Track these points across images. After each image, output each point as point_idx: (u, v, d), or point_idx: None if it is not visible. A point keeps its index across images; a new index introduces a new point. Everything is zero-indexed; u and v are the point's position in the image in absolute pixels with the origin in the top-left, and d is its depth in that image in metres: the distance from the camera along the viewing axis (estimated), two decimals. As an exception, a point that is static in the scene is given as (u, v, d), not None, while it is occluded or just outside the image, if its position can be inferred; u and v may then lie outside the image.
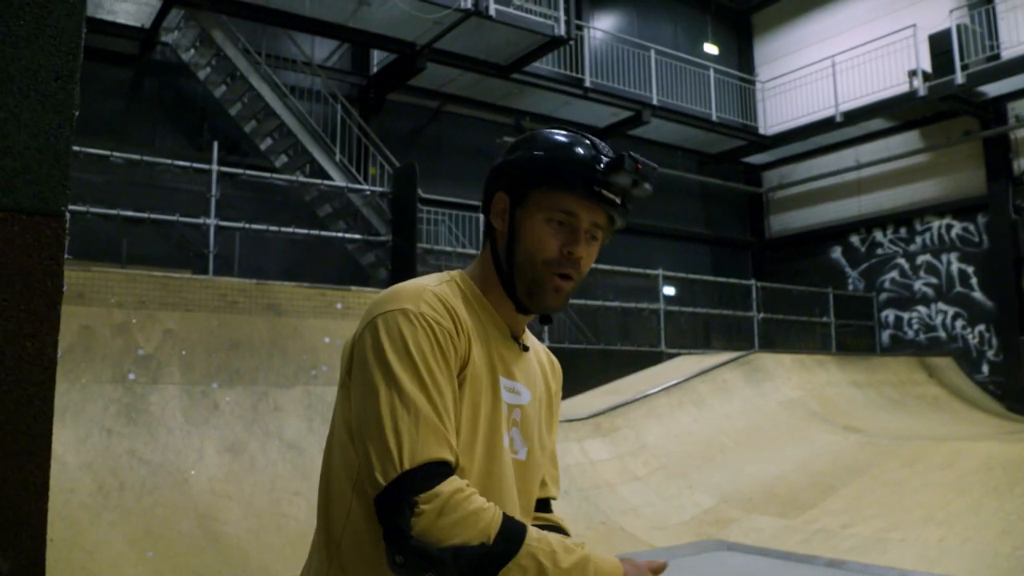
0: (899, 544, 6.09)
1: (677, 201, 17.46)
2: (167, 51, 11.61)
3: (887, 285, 16.31)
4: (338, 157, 11.38)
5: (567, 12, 12.07)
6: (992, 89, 13.79)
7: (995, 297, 14.46)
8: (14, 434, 1.24)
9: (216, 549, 5.10)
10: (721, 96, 16.73)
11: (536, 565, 1.15)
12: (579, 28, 14.21)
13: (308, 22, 11.15)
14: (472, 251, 11.59)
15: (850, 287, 16.90)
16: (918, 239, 15.82)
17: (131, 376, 5.83)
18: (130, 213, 8.53)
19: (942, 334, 15.30)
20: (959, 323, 15.05)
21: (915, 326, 15.77)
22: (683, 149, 17.33)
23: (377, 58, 13.43)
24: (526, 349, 1.49)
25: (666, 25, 17.66)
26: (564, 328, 12.88)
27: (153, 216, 8.67)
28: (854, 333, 16.25)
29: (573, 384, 9.99)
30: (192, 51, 11.34)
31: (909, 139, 15.90)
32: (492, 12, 11.14)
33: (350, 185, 10.78)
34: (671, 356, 12.35)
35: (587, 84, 14.26)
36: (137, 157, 8.70)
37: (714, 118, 16.23)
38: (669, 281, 14.17)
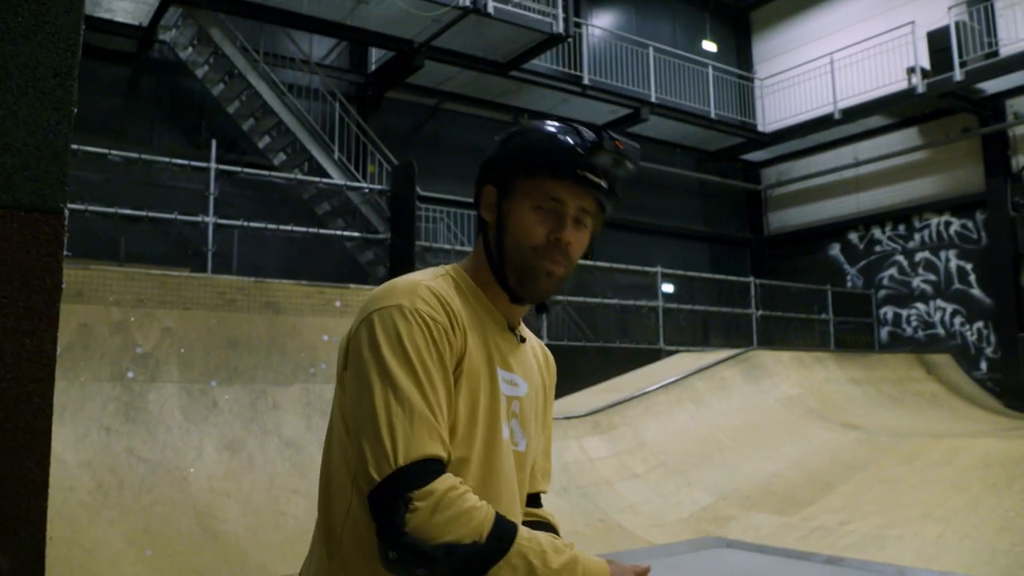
0: (897, 541, 6.10)
1: (676, 198, 17.46)
2: (165, 49, 11.60)
3: (886, 282, 16.32)
4: (336, 155, 11.37)
5: (565, 9, 12.06)
6: (990, 86, 13.80)
7: (993, 294, 14.47)
8: (13, 431, 1.24)
9: (215, 547, 5.10)
10: (720, 93, 16.73)
11: (526, 564, 1.16)
12: (577, 25, 14.20)
13: (306, 20, 11.14)
14: (470, 249, 11.57)
15: (849, 284, 16.91)
16: (917, 236, 15.83)
17: (130, 374, 5.83)
18: (128, 211, 8.53)
19: (940, 331, 15.31)
20: (957, 320, 15.06)
21: (914, 323, 15.78)
22: (682, 146, 17.33)
23: (375, 56, 13.42)
24: (523, 340, 1.49)
25: (665, 22, 17.66)
26: (563, 325, 12.88)
27: (151, 214, 8.66)
28: (853, 330, 16.26)
29: (571, 381, 9.99)
30: (190, 49, 11.33)
31: (908, 136, 15.90)
32: (490, 9, 11.14)
33: (348, 183, 10.77)
34: (669, 353, 12.35)
35: (586, 81, 14.25)
36: (135, 155, 8.70)
37: (713, 115, 16.23)
38: (668, 278, 14.17)
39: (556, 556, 1.19)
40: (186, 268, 9.27)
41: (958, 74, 13.41)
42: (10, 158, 1.25)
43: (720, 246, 18.29)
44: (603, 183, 1.36)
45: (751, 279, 15.22)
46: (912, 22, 14.37)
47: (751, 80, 17.86)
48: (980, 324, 14.71)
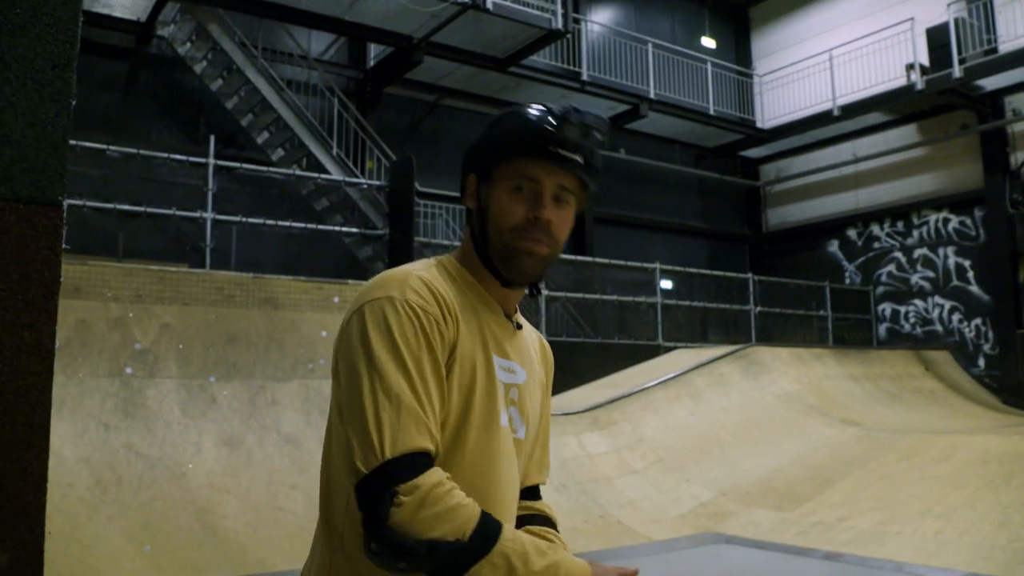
0: (896, 537, 6.11)
1: (674, 195, 17.46)
2: (163, 45, 11.57)
3: (884, 279, 16.33)
4: (335, 151, 11.36)
5: (564, 5, 12.04)
6: (989, 83, 13.80)
7: (992, 291, 14.48)
8: (12, 425, 1.24)
9: (214, 543, 5.10)
10: (718, 90, 16.73)
11: (507, 565, 1.16)
12: (576, 21, 14.18)
13: (305, 15, 11.12)
14: (469, 245, 11.54)
15: (847, 281, 16.91)
16: (915, 233, 15.83)
17: (128, 370, 5.82)
18: (126, 207, 8.51)
19: (939, 328, 15.32)
20: (956, 317, 15.07)
21: (912, 320, 15.79)
22: (680, 143, 17.32)
23: (374, 51, 13.40)
24: (519, 327, 1.49)
25: (663, 18, 17.64)
26: (561, 321, 12.88)
27: (150, 210, 8.64)
28: (851, 326, 16.27)
29: (570, 377, 9.99)
30: (188, 45, 11.31)
31: (906, 133, 15.90)
32: (489, 5, 11.13)
33: (347, 179, 10.75)
34: (668, 349, 12.36)
35: (584, 77, 14.24)
36: (133, 151, 8.68)
37: (711, 112, 16.22)
38: (666, 275, 14.16)
39: (538, 558, 1.18)
40: (184, 264, 9.26)
41: (957, 71, 13.40)
42: (8, 150, 1.24)
43: (719, 242, 18.29)
44: (577, 157, 1.36)
45: (750, 275, 15.22)
46: (911, 19, 14.37)
47: (750, 76, 17.85)
48: (978, 321, 14.72)
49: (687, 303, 14.23)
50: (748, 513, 7.14)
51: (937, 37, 13.83)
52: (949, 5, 13.81)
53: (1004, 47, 13.49)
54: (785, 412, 9.49)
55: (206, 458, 5.67)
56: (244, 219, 9.21)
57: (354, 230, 10.67)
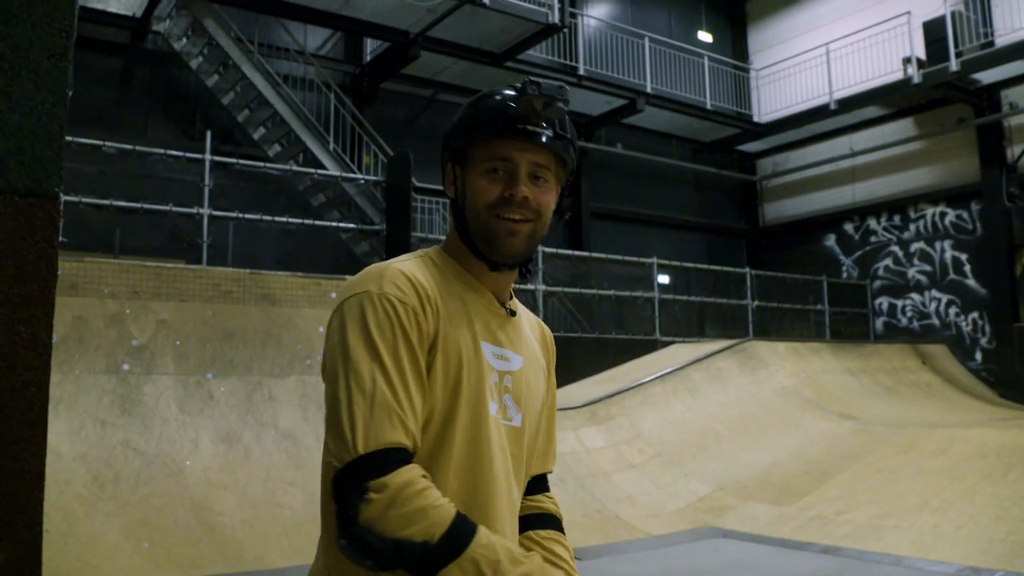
0: (893, 531, 6.12)
1: (671, 189, 17.46)
2: (159, 40, 11.54)
3: (881, 273, 16.34)
4: (332, 146, 11.33)
5: (561, 0, 12.03)
6: (986, 76, 13.79)
7: (988, 284, 14.49)
8: (9, 421, 1.23)
9: (211, 539, 5.10)
10: (715, 84, 16.71)
11: (476, 571, 1.13)
12: (573, 16, 14.15)
13: (300, 10, 11.09)
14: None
15: (844, 275, 16.92)
16: (912, 227, 15.84)
17: (125, 367, 5.82)
18: (123, 203, 8.48)
19: (935, 321, 15.34)
20: (952, 310, 15.09)
21: (909, 313, 15.81)
22: (677, 137, 17.31)
23: (370, 46, 13.37)
24: (513, 314, 1.47)
25: (660, 13, 17.62)
26: (558, 316, 12.88)
27: (146, 206, 8.62)
28: (848, 321, 16.28)
29: (568, 372, 10.00)
30: (184, 40, 11.27)
31: (903, 127, 15.90)
32: (486, 0, 11.10)
33: (344, 174, 10.73)
34: (666, 344, 12.37)
35: (581, 72, 14.21)
36: (130, 147, 8.65)
37: (708, 106, 16.21)
38: (663, 269, 14.16)
39: (511, 567, 1.16)
40: (181, 260, 9.25)
41: (954, 64, 13.39)
42: (3, 141, 1.23)
43: (716, 237, 18.30)
44: (545, 130, 1.36)
45: (747, 270, 15.22)
46: (908, 12, 14.36)
47: (747, 71, 17.84)
48: (975, 314, 14.73)
49: (684, 298, 14.23)
50: (746, 507, 7.15)
51: (934, 31, 13.81)
52: (946, -1, 13.83)
53: (1001, 40, 13.49)
54: (782, 406, 9.50)
55: (203, 454, 5.67)
56: (241, 215, 9.19)
57: (351, 226, 10.66)
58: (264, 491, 5.62)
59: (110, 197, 8.45)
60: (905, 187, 15.85)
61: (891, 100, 15.25)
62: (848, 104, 15.40)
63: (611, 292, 13.04)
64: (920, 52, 14.13)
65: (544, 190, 1.39)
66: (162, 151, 8.91)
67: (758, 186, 18.72)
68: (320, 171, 10.65)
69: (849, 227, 16.97)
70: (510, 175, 1.36)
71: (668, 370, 9.43)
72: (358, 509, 1.13)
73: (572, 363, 10.53)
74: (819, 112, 15.90)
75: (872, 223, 16.54)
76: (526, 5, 11.75)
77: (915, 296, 15.72)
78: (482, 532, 1.18)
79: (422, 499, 1.14)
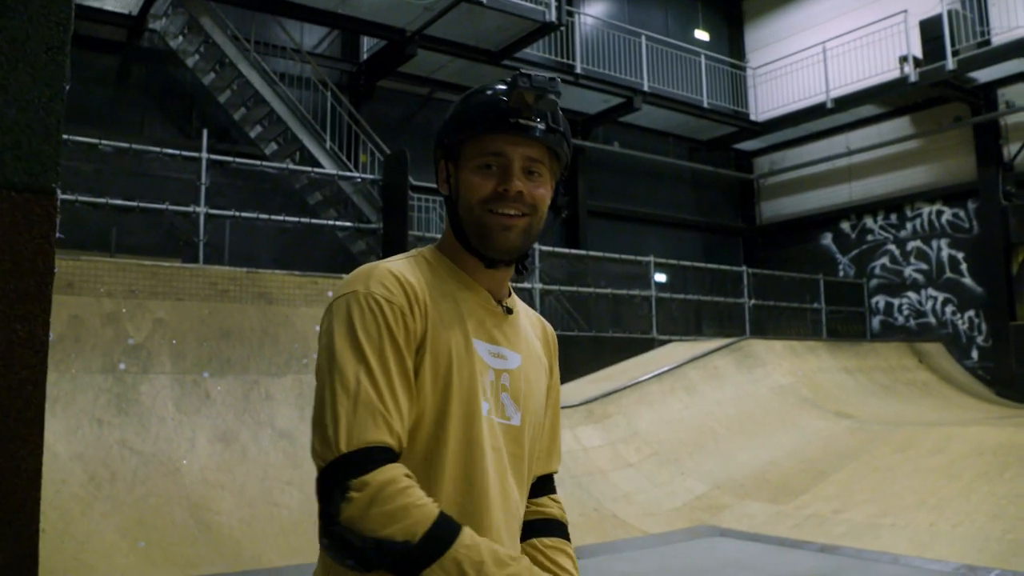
0: (891, 529, 6.12)
1: (668, 188, 17.46)
2: (155, 38, 11.51)
3: (877, 271, 16.35)
4: (328, 144, 11.32)
5: (558, -2, 12.03)
6: (982, 75, 13.81)
7: (985, 283, 14.51)
8: (5, 420, 1.21)
9: (208, 538, 5.09)
10: (712, 82, 16.71)
11: (458, 573, 1.12)
12: (570, 14, 14.16)
13: (297, 8, 11.07)
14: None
15: (841, 273, 16.93)
16: (908, 225, 15.85)
17: (121, 366, 5.80)
18: (119, 202, 8.46)
19: (932, 320, 15.35)
20: (949, 309, 15.10)
21: (905, 312, 15.82)
22: (674, 136, 17.31)
23: (367, 45, 13.35)
24: (510, 311, 1.46)
25: (657, 11, 17.61)
26: (555, 315, 12.87)
27: (142, 204, 8.60)
28: (845, 319, 16.29)
29: (565, 371, 9.92)
30: (180, 38, 11.24)
31: (900, 125, 15.91)
32: (483, -2, 11.11)
33: (341, 172, 10.72)
34: (663, 343, 12.37)
35: (578, 70, 14.21)
36: (126, 145, 8.63)
37: (705, 104, 16.20)
38: (660, 268, 14.16)
39: (496, 569, 1.14)
40: (177, 259, 9.24)
41: (950, 63, 13.40)
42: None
43: (713, 235, 18.30)
44: (537, 123, 1.34)
45: (744, 268, 15.23)
46: (905, 11, 14.35)
47: (743, 69, 17.84)
48: (971, 313, 14.75)
49: (681, 296, 14.23)
50: (743, 506, 7.15)
51: (930, 29, 13.83)
52: (942, -3, 13.83)
53: (997, 39, 13.50)
54: (779, 405, 9.51)
55: (200, 454, 5.66)
56: (237, 214, 9.17)
57: (348, 224, 10.64)
58: (261, 490, 5.61)
59: (106, 196, 8.43)
60: (901, 186, 15.87)
61: (887, 99, 15.25)
62: (845, 103, 15.41)
63: (608, 291, 13.04)
64: (916, 51, 14.14)
65: (538, 184, 1.37)
66: (158, 149, 8.89)
67: (755, 184, 18.73)
68: (317, 169, 10.64)
69: (846, 226, 16.98)
70: (503, 170, 1.35)
71: (665, 369, 9.43)
72: (339, 508, 1.12)
73: (569, 362, 10.52)
74: (816, 110, 15.90)
75: (868, 222, 16.55)
76: (523, 3, 11.74)
77: (911, 294, 15.73)
78: (466, 532, 1.16)
79: (404, 497, 1.13)
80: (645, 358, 10.86)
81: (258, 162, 10.09)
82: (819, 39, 16.19)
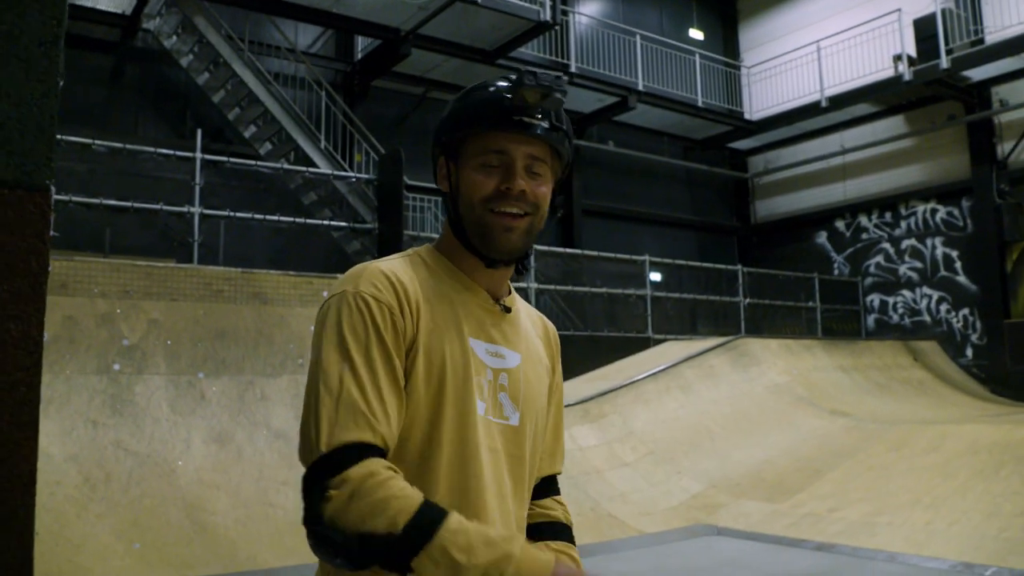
0: (887, 527, 6.13)
1: (663, 187, 17.47)
2: (149, 38, 11.48)
3: (872, 270, 16.38)
4: (323, 144, 11.30)
5: (552, -3, 12.02)
6: (976, 73, 13.83)
7: (979, 281, 14.54)
8: (-1, 423, 1.20)
9: (204, 539, 5.07)
10: (707, 81, 16.72)
11: (448, 559, 1.09)
12: (564, 13, 14.15)
13: (291, 8, 11.05)
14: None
15: (835, 272, 16.96)
16: (903, 224, 15.88)
17: (116, 367, 5.78)
18: (113, 202, 8.44)
19: (927, 318, 15.38)
20: (943, 307, 15.13)
21: (900, 310, 15.85)
22: (669, 135, 17.33)
23: (361, 44, 13.34)
24: (508, 310, 1.44)
25: (651, 10, 17.62)
26: (550, 314, 12.86)
27: (136, 205, 8.58)
28: (840, 318, 16.32)
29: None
30: (174, 38, 11.22)
31: (894, 124, 15.94)
32: (477, -3, 11.10)
33: (335, 172, 10.71)
34: (658, 342, 12.37)
35: (573, 70, 14.21)
36: (120, 145, 8.60)
37: (700, 103, 16.22)
38: (655, 267, 14.17)
39: (485, 551, 1.10)
40: (172, 259, 9.20)
41: (944, 61, 13.43)
42: (-9, 132, 1.20)
43: (707, 234, 18.32)
44: (541, 122, 1.33)
45: (739, 267, 15.24)
46: (899, 10, 14.37)
47: (738, 68, 17.85)
48: (966, 311, 14.78)
49: (676, 295, 14.24)
50: (739, 505, 7.15)
51: (924, 28, 13.85)
52: (936, -4, 13.85)
53: (991, 38, 13.53)
54: (775, 404, 9.51)
55: (195, 454, 5.64)
56: (232, 214, 9.15)
57: (343, 224, 10.63)
58: (257, 491, 5.59)
59: (100, 196, 8.40)
60: (896, 184, 15.89)
61: (882, 97, 15.28)
62: (839, 101, 15.43)
63: (603, 290, 13.05)
64: (911, 49, 14.17)
65: (540, 183, 1.36)
66: (152, 149, 8.87)
67: (750, 183, 18.75)
68: (311, 169, 10.62)
69: (840, 224, 17.01)
70: (506, 168, 1.33)
71: (660, 368, 9.43)
72: (320, 508, 1.11)
73: (564, 361, 10.19)
74: (810, 109, 15.93)
75: (863, 220, 16.58)
76: (517, 2, 11.74)
77: (906, 293, 15.77)
78: (452, 518, 1.13)
79: (384, 490, 1.11)
80: (640, 357, 10.85)
81: (253, 162, 10.07)
82: (813, 38, 16.22)
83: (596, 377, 9.93)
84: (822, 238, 17.33)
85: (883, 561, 5.56)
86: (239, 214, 9.22)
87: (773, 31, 18.03)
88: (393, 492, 1.12)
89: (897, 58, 14.39)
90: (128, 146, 8.67)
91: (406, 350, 1.26)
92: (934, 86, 13.99)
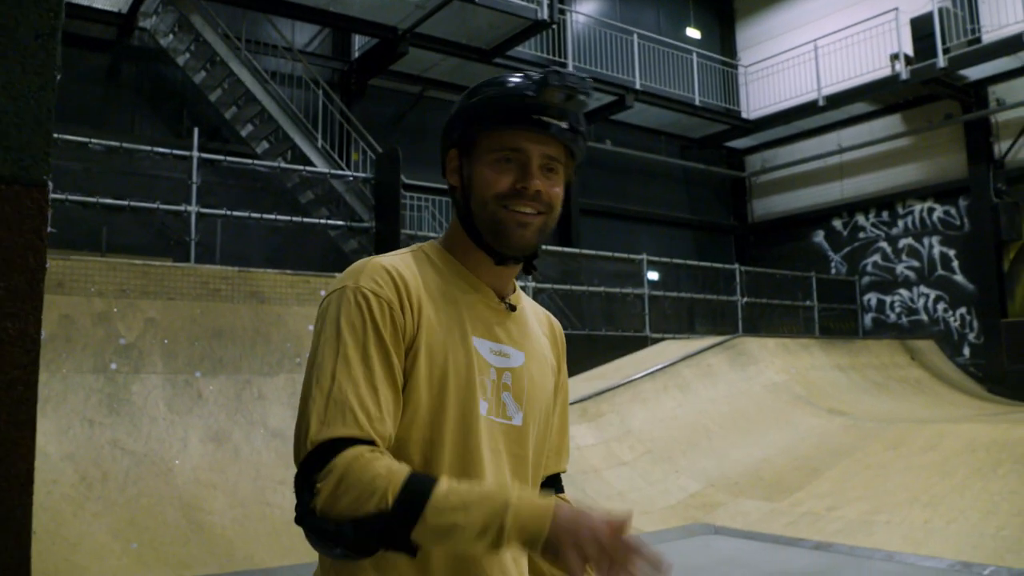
0: (885, 526, 6.13)
1: (660, 186, 17.47)
2: (145, 36, 11.45)
3: (869, 269, 16.39)
4: (320, 143, 11.28)
5: (550, -5, 12.02)
6: (973, 72, 13.84)
7: (976, 280, 14.56)
8: (-5, 422, 1.18)
9: (201, 539, 5.06)
10: (704, 80, 16.73)
11: (446, 522, 1.07)
12: (562, 12, 14.13)
13: (288, 6, 11.03)
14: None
15: (833, 271, 16.97)
16: (900, 223, 15.89)
17: (113, 366, 5.76)
18: (110, 201, 8.42)
19: (924, 317, 15.40)
20: (940, 306, 15.15)
21: (897, 309, 15.87)
22: (666, 134, 17.33)
23: (359, 43, 13.32)
24: (513, 309, 1.42)
25: (648, 9, 17.62)
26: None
27: (133, 204, 8.56)
28: (837, 317, 16.33)
29: (558, 370, 9.95)
30: (171, 36, 11.19)
31: (891, 123, 15.95)
32: (475, -4, 11.09)
33: (332, 171, 10.68)
34: (656, 341, 12.37)
35: (570, 68, 14.15)
36: (116, 144, 8.58)
37: (697, 102, 16.22)
38: (653, 266, 14.17)
39: (481, 504, 1.08)
40: (169, 258, 9.18)
41: (941, 61, 13.43)
42: (-12, 127, 1.18)
43: (705, 233, 18.32)
44: (562, 123, 1.31)
45: (736, 266, 15.25)
46: (896, 9, 14.38)
47: (735, 67, 17.85)
48: (963, 310, 14.80)
49: (674, 294, 14.24)
50: (737, 504, 7.15)
51: (921, 27, 13.86)
52: (933, -5, 13.86)
53: (988, 37, 13.54)
54: (772, 402, 9.51)
55: (192, 454, 5.63)
56: (229, 212, 9.13)
57: (340, 223, 10.61)
58: (254, 490, 5.58)
59: (96, 195, 8.38)
60: (893, 183, 15.90)
61: (879, 96, 15.29)
62: (836, 100, 15.43)
63: (601, 289, 13.04)
64: (908, 48, 14.17)
65: (554, 183, 1.34)
66: (149, 148, 8.85)
67: (747, 182, 18.75)
68: (308, 168, 10.60)
69: (837, 223, 17.01)
70: (522, 166, 1.31)
71: (658, 367, 9.42)
72: (311, 503, 1.10)
73: None
74: (807, 108, 15.93)
75: (860, 219, 16.59)
76: (515, 1, 11.73)
77: (903, 292, 15.78)
78: (444, 481, 1.11)
79: (370, 470, 1.10)
80: (638, 356, 10.85)
81: (249, 161, 10.05)
82: (810, 37, 16.22)
83: (594, 376, 9.93)
84: (819, 237, 17.34)
85: (881, 560, 5.56)
86: (236, 213, 9.20)
87: (770, 30, 18.03)
88: (378, 471, 1.10)
89: (894, 57, 14.40)
90: (124, 145, 8.65)
91: (406, 348, 1.25)
92: (931, 85, 14.00)
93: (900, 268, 15.84)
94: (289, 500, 5.52)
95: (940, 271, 15.19)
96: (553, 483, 1.55)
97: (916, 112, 15.44)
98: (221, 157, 9.47)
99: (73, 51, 10.62)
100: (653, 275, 14.57)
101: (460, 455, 1.26)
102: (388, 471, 1.10)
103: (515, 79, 1.34)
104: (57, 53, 1.23)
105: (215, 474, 5.57)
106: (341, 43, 13.50)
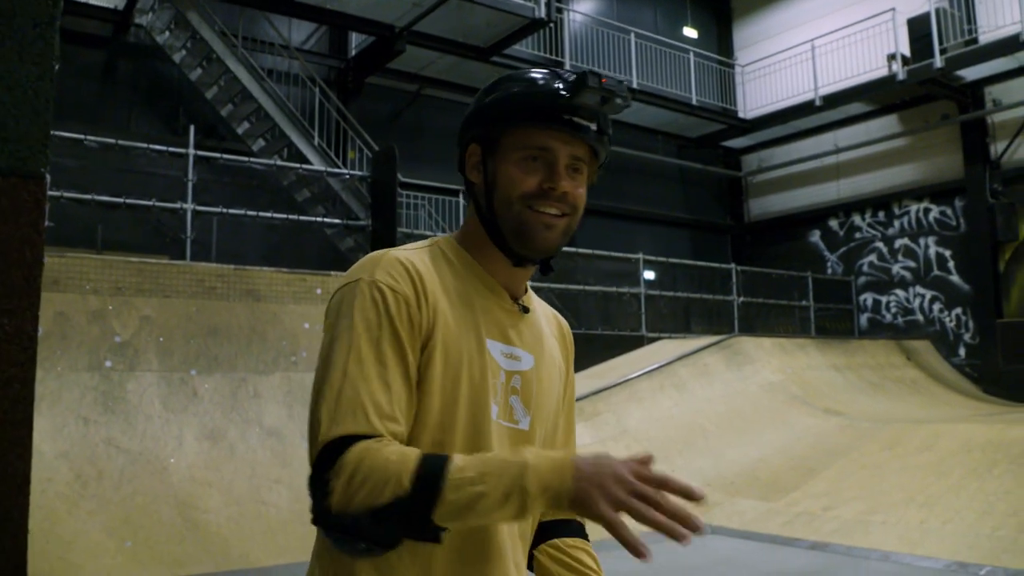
0: (881, 526, 6.13)
1: (657, 185, 17.46)
2: (141, 33, 11.42)
3: (865, 269, 16.40)
4: (316, 141, 11.26)
5: (547, -6, 12.00)
6: (970, 73, 13.85)
7: (972, 280, 14.58)
8: (-8, 421, 1.16)
9: (196, 537, 5.04)
10: (701, 80, 16.73)
11: (467, 496, 1.04)
12: (559, 11, 14.11)
13: (285, 4, 11.01)
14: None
15: (829, 271, 16.99)
16: (896, 223, 15.90)
17: (108, 364, 5.75)
18: (105, 198, 8.39)
19: (920, 317, 15.41)
20: (936, 306, 15.16)
21: (893, 309, 15.88)
22: (663, 133, 17.32)
23: (355, 41, 13.29)
24: (526, 311, 1.39)
25: (646, 8, 17.61)
26: (545, 313, 12.84)
27: (129, 201, 8.54)
28: (833, 317, 16.35)
29: (555, 369, 9.95)
30: (167, 33, 11.16)
31: (888, 123, 15.96)
32: (472, -7, 11.07)
33: (329, 169, 10.67)
34: (652, 340, 12.37)
35: (567, 67, 14.18)
36: (112, 141, 8.56)
37: (694, 102, 16.22)
38: (649, 265, 14.17)
39: (500, 471, 1.05)
40: (165, 256, 9.16)
41: (938, 61, 13.44)
42: (-15, 119, 1.16)
43: (701, 233, 18.32)
44: (591, 126, 1.28)
45: (732, 266, 15.26)
46: (893, 9, 14.38)
47: (732, 66, 17.86)
48: (959, 310, 14.82)
49: (671, 293, 14.25)
50: (733, 503, 7.15)
51: (918, 27, 13.87)
52: (930, -4, 13.88)
53: (984, 37, 13.56)
54: (769, 402, 9.52)
55: (188, 452, 5.61)
56: (225, 210, 9.11)
57: (336, 221, 10.59)
58: (249, 488, 5.57)
59: (92, 192, 8.36)
60: (890, 183, 15.92)
61: (876, 96, 15.30)
62: (833, 100, 15.45)
63: (597, 288, 13.04)
64: (905, 49, 14.18)
65: (579, 184, 1.32)
66: (145, 145, 8.83)
67: (743, 182, 18.76)
68: (305, 166, 10.58)
69: (834, 223, 17.02)
70: (549, 167, 1.28)
71: (654, 366, 9.42)
72: (326, 502, 1.07)
73: None
74: (804, 108, 15.94)
75: (857, 219, 16.60)
76: (512, -1, 11.72)
77: (899, 292, 15.79)
78: (456, 457, 1.08)
79: (380, 459, 1.07)
80: (634, 355, 10.85)
81: (245, 158, 10.03)
82: (807, 37, 16.22)
83: (590, 375, 9.92)
84: (815, 237, 17.35)
85: (877, 560, 5.56)
86: (232, 211, 9.18)
87: (767, 30, 18.04)
88: (388, 457, 1.07)
89: (891, 57, 14.41)
90: (121, 142, 8.62)
91: (421, 345, 1.21)
92: (928, 85, 14.01)
93: (896, 268, 15.86)
94: (285, 499, 5.51)
95: (936, 271, 15.21)
96: None
97: (913, 112, 15.45)
98: (217, 155, 9.46)
99: (69, 47, 10.58)
100: (649, 274, 14.57)
101: None
102: (399, 456, 1.07)
103: (545, 76, 1.30)
104: (56, 42, 1.20)
105: (210, 472, 5.55)
106: (338, 41, 13.48)
